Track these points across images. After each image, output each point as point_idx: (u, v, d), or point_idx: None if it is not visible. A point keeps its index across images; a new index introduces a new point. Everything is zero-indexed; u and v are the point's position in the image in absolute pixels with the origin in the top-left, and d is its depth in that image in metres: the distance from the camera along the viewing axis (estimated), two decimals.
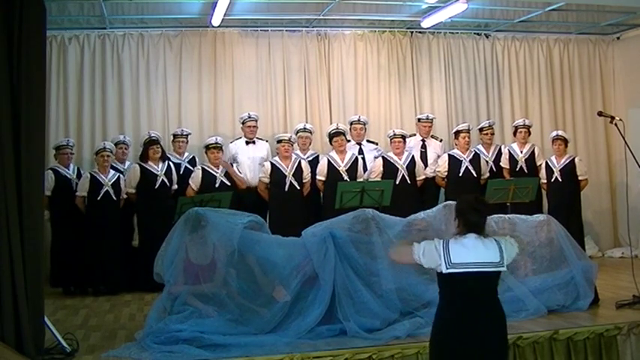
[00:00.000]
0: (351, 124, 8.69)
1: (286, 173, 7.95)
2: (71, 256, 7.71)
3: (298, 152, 8.32)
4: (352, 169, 8.13)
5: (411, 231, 5.73)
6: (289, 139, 8.15)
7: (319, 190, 8.18)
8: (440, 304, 3.82)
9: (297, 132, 8.48)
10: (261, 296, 5.49)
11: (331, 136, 8.31)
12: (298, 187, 7.97)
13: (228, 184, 7.89)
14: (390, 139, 8.36)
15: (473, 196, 3.94)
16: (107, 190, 7.70)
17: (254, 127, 8.48)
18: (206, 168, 7.99)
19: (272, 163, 8.05)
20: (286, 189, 7.93)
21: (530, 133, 8.86)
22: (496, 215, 6.29)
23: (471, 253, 3.67)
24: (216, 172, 7.94)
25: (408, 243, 3.93)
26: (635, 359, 5.28)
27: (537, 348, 5.11)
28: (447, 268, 3.66)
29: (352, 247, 5.48)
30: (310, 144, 8.57)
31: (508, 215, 6.40)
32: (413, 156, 8.37)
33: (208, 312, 5.32)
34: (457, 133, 8.58)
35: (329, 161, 8.13)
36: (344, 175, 8.02)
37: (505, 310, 5.57)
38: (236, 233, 5.45)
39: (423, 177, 8.43)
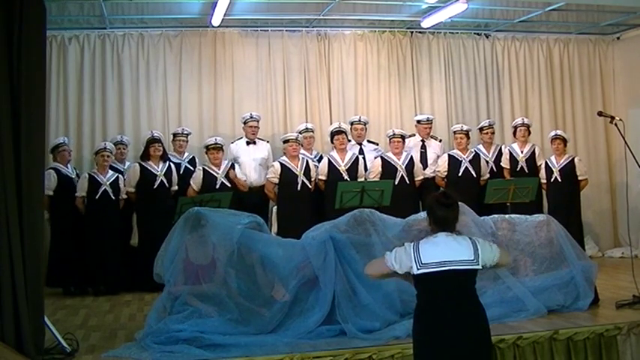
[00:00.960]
0: (352, 124, 8.70)
1: (297, 173, 7.95)
2: (71, 256, 7.72)
3: (304, 152, 8.31)
4: (352, 168, 8.13)
5: (411, 231, 5.73)
6: (296, 139, 8.15)
7: (320, 189, 8.18)
8: (416, 306, 3.74)
9: (300, 132, 8.49)
10: (261, 296, 5.49)
11: (333, 134, 8.32)
12: (309, 186, 7.98)
13: (229, 184, 7.89)
14: (389, 139, 8.37)
15: (442, 191, 3.91)
16: (105, 190, 7.71)
17: (256, 127, 8.48)
18: (207, 168, 7.99)
19: (281, 164, 8.02)
20: (298, 188, 7.93)
21: (529, 132, 8.86)
22: (496, 215, 6.30)
23: (441, 251, 3.60)
24: (217, 173, 7.94)
25: (418, 237, 3.88)
26: (635, 359, 5.28)
27: (537, 348, 5.10)
28: (418, 269, 3.60)
29: (352, 249, 5.47)
30: (313, 143, 8.60)
31: (507, 215, 6.39)
32: (412, 156, 8.37)
33: (208, 312, 5.31)
34: (457, 133, 8.60)
35: (329, 161, 8.14)
36: (344, 174, 8.02)
37: (505, 310, 5.65)
38: (236, 233, 5.45)
39: (422, 177, 8.43)
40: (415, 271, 3.62)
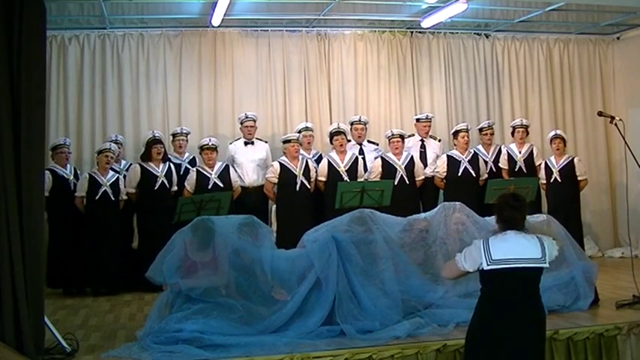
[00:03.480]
0: (352, 124, 8.69)
1: (296, 173, 7.94)
2: (69, 257, 7.71)
3: (303, 152, 8.30)
4: (352, 169, 8.12)
5: (412, 231, 5.73)
6: (297, 139, 8.15)
7: (320, 190, 8.17)
8: (480, 302, 3.80)
9: (300, 131, 8.48)
10: (261, 296, 5.48)
11: (332, 135, 8.31)
12: (308, 186, 7.97)
13: (222, 185, 7.87)
14: (389, 140, 8.36)
15: (511, 192, 3.99)
16: (105, 190, 7.68)
17: (252, 127, 8.46)
18: (200, 169, 7.98)
19: (281, 164, 8.01)
20: (297, 188, 7.91)
21: (528, 133, 8.86)
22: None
23: (512, 248, 3.67)
24: (210, 174, 7.92)
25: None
26: (635, 359, 5.28)
27: None
28: (488, 265, 3.67)
29: (354, 249, 5.47)
30: (313, 142, 8.59)
31: None
32: (412, 156, 8.36)
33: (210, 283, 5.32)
34: (456, 133, 8.58)
35: (329, 162, 8.13)
36: (344, 175, 8.02)
37: None
38: (233, 240, 5.48)
39: (422, 177, 8.43)
40: (485, 267, 3.69)
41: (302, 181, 7.94)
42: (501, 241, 3.71)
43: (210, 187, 7.79)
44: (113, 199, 7.74)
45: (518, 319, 3.65)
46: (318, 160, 8.34)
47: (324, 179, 8.10)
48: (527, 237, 3.74)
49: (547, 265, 3.74)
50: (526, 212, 3.86)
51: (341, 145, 8.17)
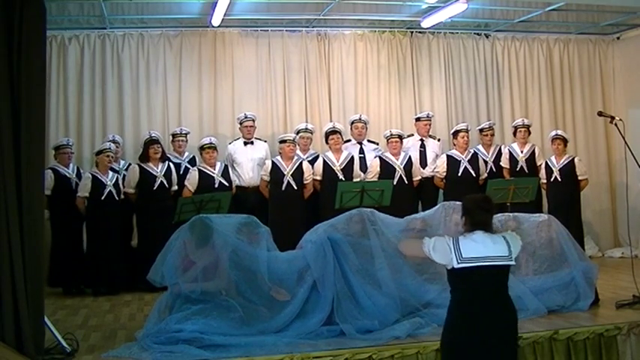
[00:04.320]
0: (352, 123, 8.69)
1: (285, 172, 7.94)
2: (71, 256, 7.71)
3: (299, 152, 8.30)
4: (348, 168, 8.12)
5: (410, 230, 5.73)
6: (293, 140, 8.15)
7: (316, 189, 8.17)
8: (451, 304, 3.83)
9: (299, 132, 8.48)
10: (261, 296, 5.48)
11: (327, 134, 8.31)
12: (296, 188, 7.95)
13: (226, 184, 7.88)
14: (387, 140, 8.35)
15: (480, 195, 4.00)
16: (110, 191, 7.69)
17: (251, 127, 8.46)
18: (202, 169, 7.99)
19: (273, 162, 8.05)
20: (283, 188, 7.92)
21: (530, 133, 8.86)
22: (500, 214, 6.30)
23: (481, 247, 3.72)
24: (213, 173, 7.93)
25: (417, 237, 3.99)
26: (635, 359, 5.28)
27: (537, 348, 5.11)
28: (459, 263, 3.71)
29: (350, 249, 5.47)
30: (311, 144, 8.59)
31: (513, 214, 6.38)
32: (410, 156, 8.36)
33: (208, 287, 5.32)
34: (456, 133, 8.58)
35: (324, 161, 8.14)
36: (339, 174, 8.02)
37: None
38: (232, 239, 5.48)
39: (419, 177, 8.42)
40: (455, 265, 3.72)
41: (288, 181, 7.92)
42: (471, 240, 3.76)
43: (216, 186, 7.80)
44: (117, 198, 7.76)
45: (489, 320, 3.68)
46: (314, 161, 8.32)
47: (319, 178, 8.10)
48: (493, 237, 3.80)
49: (514, 262, 3.80)
50: (494, 214, 3.94)
51: (336, 145, 8.18)
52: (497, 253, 3.73)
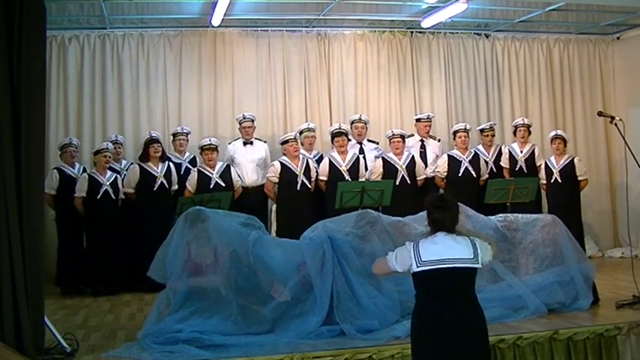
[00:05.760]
0: (352, 122, 8.69)
1: (297, 172, 7.94)
2: (75, 256, 7.74)
3: (304, 152, 8.30)
4: (354, 169, 8.13)
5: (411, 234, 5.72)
6: (295, 138, 8.14)
7: (321, 189, 8.17)
8: (415, 308, 3.78)
9: (302, 132, 8.48)
10: (261, 296, 5.48)
11: (333, 135, 8.31)
12: (309, 186, 7.97)
13: (223, 185, 7.87)
14: (389, 140, 8.35)
15: (437, 194, 3.97)
16: (106, 190, 7.69)
17: (249, 127, 8.45)
18: (201, 169, 7.98)
19: (282, 163, 8.01)
20: (298, 188, 7.92)
21: (530, 132, 8.85)
22: (501, 215, 6.30)
23: (441, 249, 3.65)
24: (211, 174, 7.92)
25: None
26: (635, 359, 5.28)
27: (537, 348, 5.11)
28: (418, 266, 3.66)
29: (351, 249, 5.47)
30: (314, 144, 8.59)
31: (513, 215, 6.38)
32: (413, 156, 8.35)
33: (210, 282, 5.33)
34: (455, 133, 8.59)
35: (330, 161, 8.13)
36: (345, 174, 8.02)
37: (505, 308, 5.65)
38: (234, 233, 5.46)
39: (424, 177, 8.42)
40: (415, 269, 3.68)
41: (303, 181, 7.94)
42: (431, 243, 3.70)
43: (212, 186, 7.79)
44: (114, 197, 7.76)
45: (450, 321, 3.61)
46: (319, 160, 8.34)
47: (325, 178, 8.09)
48: (457, 238, 3.70)
49: (480, 265, 3.70)
50: (456, 213, 3.80)
51: (342, 146, 8.17)
52: (459, 255, 3.65)
